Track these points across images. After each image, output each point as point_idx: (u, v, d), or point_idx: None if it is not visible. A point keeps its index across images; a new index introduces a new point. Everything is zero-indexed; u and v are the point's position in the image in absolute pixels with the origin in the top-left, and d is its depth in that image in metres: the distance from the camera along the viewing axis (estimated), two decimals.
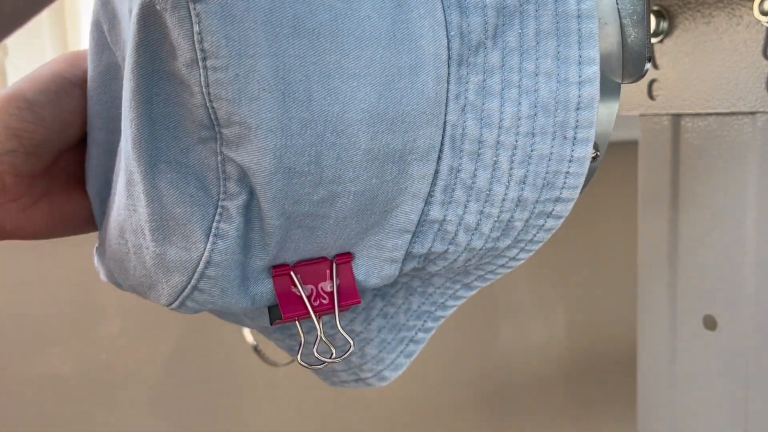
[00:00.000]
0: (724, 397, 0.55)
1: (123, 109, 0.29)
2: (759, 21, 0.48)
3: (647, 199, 0.58)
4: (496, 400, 1.02)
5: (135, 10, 0.26)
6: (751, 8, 0.48)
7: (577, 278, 1.05)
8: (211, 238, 0.28)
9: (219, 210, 0.28)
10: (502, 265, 0.34)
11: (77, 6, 0.77)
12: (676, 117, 0.55)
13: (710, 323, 0.55)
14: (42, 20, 0.77)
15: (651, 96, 0.55)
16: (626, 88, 0.32)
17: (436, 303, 0.36)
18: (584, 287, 1.06)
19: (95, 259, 0.36)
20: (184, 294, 0.29)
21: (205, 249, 0.28)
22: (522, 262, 0.33)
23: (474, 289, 0.36)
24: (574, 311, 1.06)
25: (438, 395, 0.94)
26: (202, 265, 0.28)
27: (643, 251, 0.59)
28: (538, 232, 0.32)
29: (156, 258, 0.29)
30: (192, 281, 0.29)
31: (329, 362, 0.33)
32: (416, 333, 0.37)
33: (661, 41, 0.54)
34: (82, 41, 0.76)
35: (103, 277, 0.36)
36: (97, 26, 0.35)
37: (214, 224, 0.28)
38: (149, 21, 0.26)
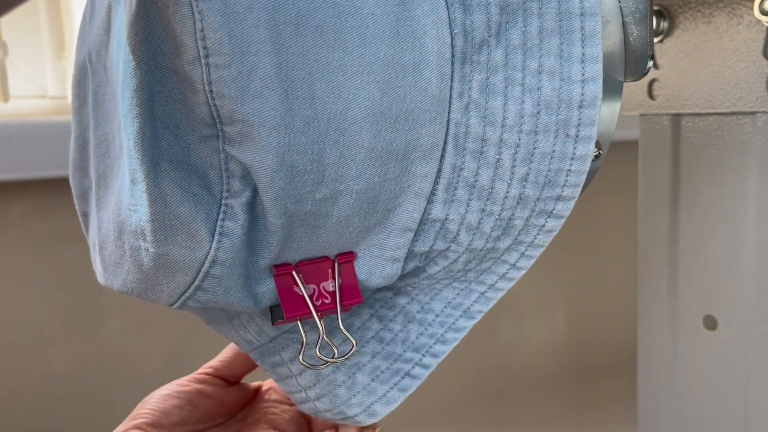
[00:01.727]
0: (724, 397, 0.55)
1: (123, 108, 0.29)
2: (759, 21, 0.48)
3: (647, 199, 0.58)
4: (496, 399, 1.02)
5: (133, 6, 0.26)
6: (752, 8, 0.48)
7: (578, 278, 1.05)
8: (216, 237, 0.28)
9: (223, 208, 0.28)
10: (503, 276, 0.33)
11: (75, 6, 0.77)
12: (677, 117, 0.55)
13: (710, 323, 0.55)
14: (41, 20, 0.77)
15: (651, 96, 0.55)
16: (626, 88, 0.32)
17: (435, 336, 0.34)
18: (584, 287, 1.06)
19: (93, 260, 0.36)
20: (187, 294, 0.29)
21: (210, 248, 0.28)
22: (523, 272, 0.33)
23: (474, 316, 0.34)
24: (574, 311, 1.06)
25: (438, 394, 0.94)
26: (207, 264, 0.28)
27: (643, 251, 0.59)
28: (538, 234, 0.32)
29: (157, 259, 0.29)
30: (196, 281, 0.29)
31: (332, 362, 0.33)
32: (413, 367, 0.34)
33: (661, 41, 0.54)
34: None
35: (99, 278, 0.35)
36: (83, 19, 0.35)
37: (219, 222, 0.28)
38: (151, 17, 0.26)
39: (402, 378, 0.34)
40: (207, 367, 0.43)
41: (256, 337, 0.35)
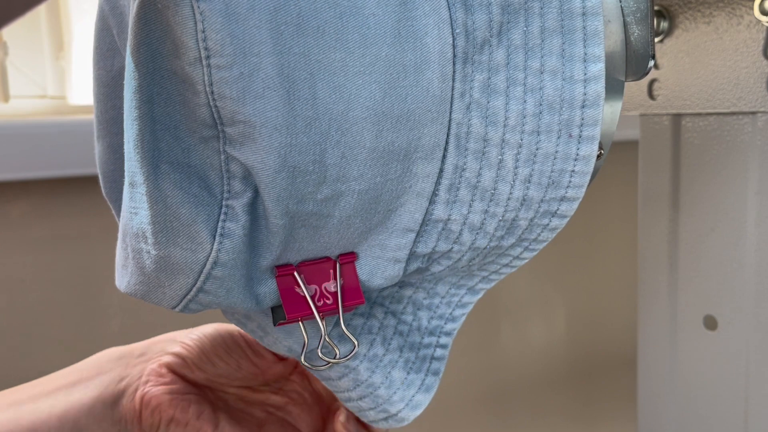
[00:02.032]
0: (724, 397, 0.55)
1: (125, 110, 0.29)
2: (759, 21, 0.48)
3: (647, 199, 0.58)
4: (496, 399, 1.02)
5: (134, 7, 0.26)
6: (752, 8, 0.48)
7: (577, 278, 1.05)
8: (217, 238, 0.28)
9: (224, 209, 0.28)
10: (506, 265, 0.34)
11: (74, 5, 0.77)
12: (677, 117, 0.55)
13: (710, 323, 0.55)
14: (41, 20, 0.77)
15: (651, 96, 0.55)
16: (626, 88, 0.32)
17: (444, 316, 0.36)
18: (584, 287, 1.06)
19: None
20: (188, 297, 0.29)
21: (212, 249, 0.28)
22: (526, 261, 0.33)
23: (478, 293, 0.35)
24: (574, 311, 1.06)
25: (438, 394, 0.94)
26: (209, 265, 0.28)
27: (643, 251, 0.59)
28: (542, 231, 0.32)
29: (158, 261, 0.29)
30: (198, 283, 0.29)
31: (333, 362, 0.33)
32: (435, 349, 0.36)
33: (661, 41, 0.54)
34: (77, 41, 0.76)
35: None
36: (106, 31, 0.35)
37: (220, 223, 0.28)
38: (150, 18, 0.26)
39: (431, 362, 0.36)
40: None
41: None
